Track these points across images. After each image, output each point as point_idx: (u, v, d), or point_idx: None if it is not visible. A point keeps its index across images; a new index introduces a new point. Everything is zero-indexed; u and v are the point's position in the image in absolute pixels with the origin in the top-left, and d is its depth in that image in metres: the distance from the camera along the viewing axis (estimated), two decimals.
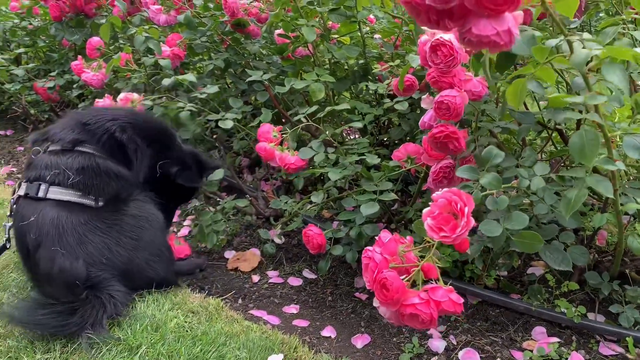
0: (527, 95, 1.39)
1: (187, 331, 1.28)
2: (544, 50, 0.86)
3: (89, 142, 1.46)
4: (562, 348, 1.30)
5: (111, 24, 2.00)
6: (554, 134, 1.67)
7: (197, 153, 1.73)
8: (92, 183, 1.39)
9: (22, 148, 3.18)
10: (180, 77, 1.82)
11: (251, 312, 1.55)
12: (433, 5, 0.66)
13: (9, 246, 1.45)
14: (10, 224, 1.44)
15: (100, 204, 1.40)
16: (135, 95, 1.85)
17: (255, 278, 1.76)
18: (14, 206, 1.43)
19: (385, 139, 2.07)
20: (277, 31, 2.14)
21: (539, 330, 1.38)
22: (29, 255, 1.34)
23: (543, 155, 1.74)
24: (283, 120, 2.16)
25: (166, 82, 1.82)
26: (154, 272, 1.43)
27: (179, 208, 1.88)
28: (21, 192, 1.42)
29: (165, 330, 1.27)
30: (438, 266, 0.96)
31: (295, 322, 1.52)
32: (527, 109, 1.54)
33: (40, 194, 1.36)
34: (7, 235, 1.45)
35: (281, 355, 1.23)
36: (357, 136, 2.19)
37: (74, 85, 2.75)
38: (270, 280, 1.75)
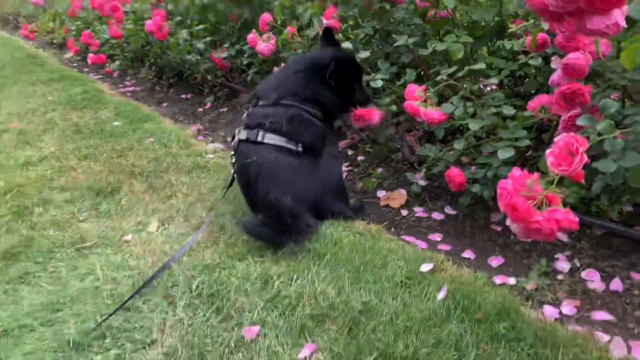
0: None
1: (357, 246, 1.70)
2: None
3: (289, 96, 1.90)
4: None
5: (282, 4, 2.42)
6: None
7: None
8: (296, 131, 1.84)
9: (201, 109, 3.83)
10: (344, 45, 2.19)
11: (403, 237, 1.93)
12: (554, 9, 0.92)
13: (236, 177, 1.96)
14: (234, 160, 1.94)
15: (300, 149, 1.84)
16: None
17: (404, 212, 2.13)
18: (237, 148, 1.91)
19: (521, 91, 2.26)
20: None
21: None
22: (249, 185, 1.84)
23: None
24: (425, 78, 2.44)
25: None
26: (336, 207, 1.88)
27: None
28: (242, 137, 1.90)
29: (341, 244, 1.70)
30: (566, 201, 1.22)
31: (440, 246, 1.86)
32: None
33: (259, 139, 1.83)
34: (233, 170, 1.96)
35: (431, 265, 1.59)
36: (494, 88, 2.41)
37: (245, 55, 3.27)
38: (416, 215, 2.11)
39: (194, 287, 1.55)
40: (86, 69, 5.55)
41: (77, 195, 2.29)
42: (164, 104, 4.09)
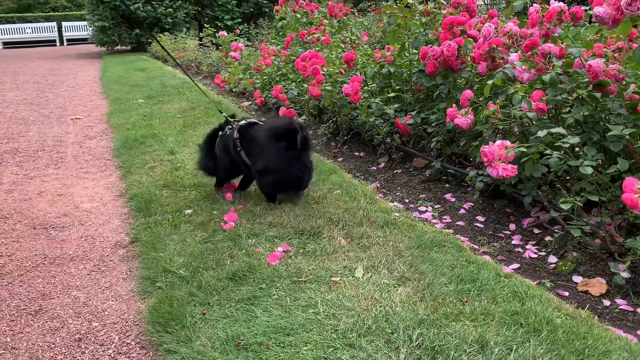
0: None
1: (572, 329, 1.70)
2: None
3: None
4: None
5: (494, 83, 2.58)
6: None
7: None
8: None
9: (374, 168, 4.06)
10: (553, 130, 2.26)
11: (608, 327, 1.89)
12: None
13: None
14: None
15: None
16: (508, 143, 2.37)
17: (606, 302, 2.08)
18: None
19: None
20: (632, 87, 2.41)
21: None
22: None
23: None
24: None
25: (541, 133, 2.29)
26: None
27: None
28: None
29: (554, 324, 1.71)
30: None
31: None
32: None
33: None
34: None
35: None
36: None
37: (431, 123, 3.46)
38: (620, 307, 2.05)
39: (414, 337, 1.67)
40: (264, 118, 6.14)
41: (284, 233, 2.56)
42: (339, 159, 4.40)
